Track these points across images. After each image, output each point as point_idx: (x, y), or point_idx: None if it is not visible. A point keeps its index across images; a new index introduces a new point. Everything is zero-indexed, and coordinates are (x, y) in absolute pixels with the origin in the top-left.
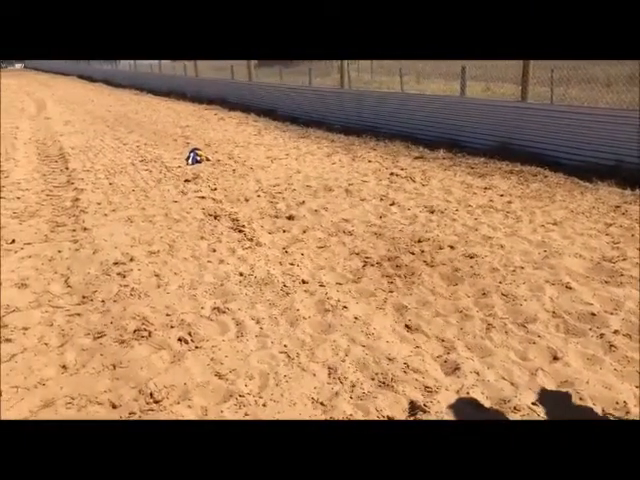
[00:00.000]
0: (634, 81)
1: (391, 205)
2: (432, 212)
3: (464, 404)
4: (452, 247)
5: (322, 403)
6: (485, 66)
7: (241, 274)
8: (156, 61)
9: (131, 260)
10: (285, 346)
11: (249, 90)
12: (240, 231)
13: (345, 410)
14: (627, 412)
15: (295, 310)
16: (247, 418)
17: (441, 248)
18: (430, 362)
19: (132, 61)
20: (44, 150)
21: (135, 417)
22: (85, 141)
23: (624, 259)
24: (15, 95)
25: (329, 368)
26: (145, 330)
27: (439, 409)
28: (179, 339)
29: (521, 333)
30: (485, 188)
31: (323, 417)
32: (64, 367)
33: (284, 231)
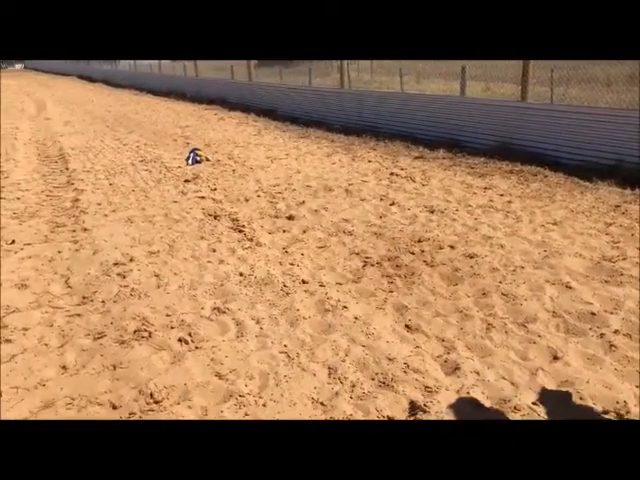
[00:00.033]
0: (634, 81)
1: (391, 205)
2: (432, 212)
3: (464, 404)
4: (452, 247)
5: (322, 403)
6: (485, 66)
7: (241, 274)
8: (156, 61)
9: (131, 260)
10: (285, 346)
11: (249, 90)
12: (240, 231)
13: (345, 410)
14: (627, 412)
15: (295, 310)
16: (247, 418)
17: (441, 248)
18: (430, 362)
19: (132, 61)
20: (44, 151)
21: (135, 417)
22: (85, 141)
23: (624, 258)
24: (15, 96)
25: (329, 368)
26: (145, 330)
27: (439, 409)
28: (179, 339)
29: (521, 333)
30: (485, 188)
31: (323, 417)
32: (64, 368)
33: (284, 231)
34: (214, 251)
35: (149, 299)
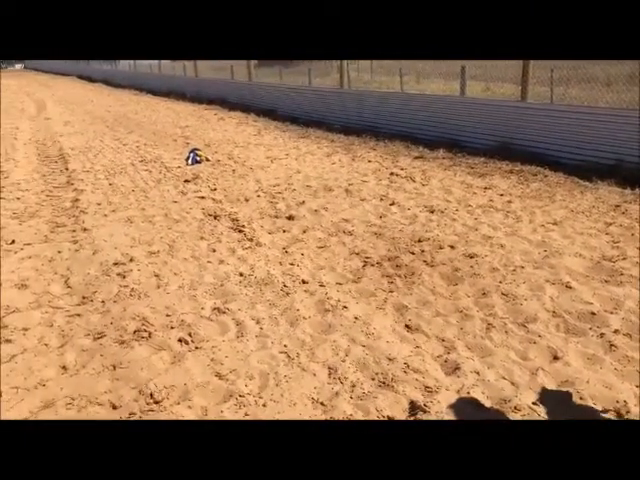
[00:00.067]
0: (634, 80)
1: (391, 205)
2: (432, 212)
3: (464, 404)
4: (452, 247)
5: (322, 403)
6: (485, 66)
7: (241, 274)
8: (155, 61)
9: (131, 260)
10: (285, 346)
11: (249, 90)
12: (240, 231)
13: (345, 410)
14: (627, 412)
15: (295, 310)
16: (247, 418)
17: (441, 248)
18: (430, 362)
19: (131, 61)
20: (44, 151)
21: (135, 417)
22: (85, 141)
23: (624, 258)
24: (15, 96)
25: (329, 368)
26: (145, 331)
27: (439, 409)
28: (179, 339)
29: (521, 333)
30: (485, 188)
31: (323, 417)
32: (64, 368)
33: (284, 231)
34: (214, 251)
35: (149, 299)
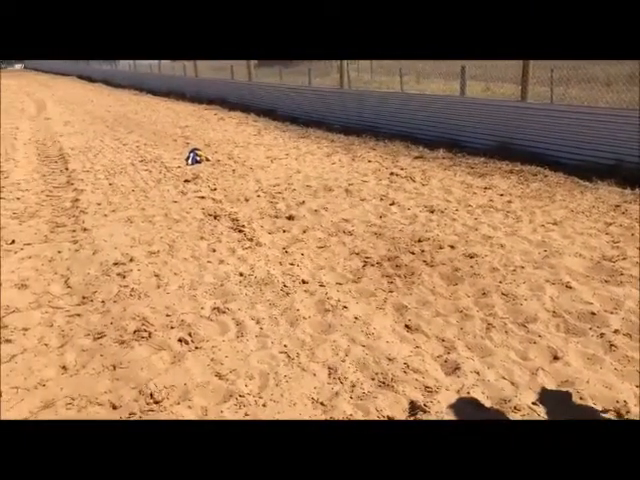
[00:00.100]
0: (634, 80)
1: (391, 205)
2: (432, 212)
3: (464, 404)
4: (452, 247)
5: (322, 403)
6: (485, 66)
7: (241, 274)
8: (155, 61)
9: (131, 260)
10: (285, 346)
11: (249, 90)
12: (240, 231)
13: (345, 410)
14: (627, 412)
15: (295, 310)
16: (247, 418)
17: (441, 248)
18: (430, 362)
19: (131, 61)
20: (44, 151)
21: (135, 418)
22: (85, 141)
23: (624, 258)
24: (15, 96)
25: (329, 368)
26: (145, 331)
27: (439, 409)
28: (179, 339)
29: (521, 333)
30: (485, 188)
31: (323, 417)
32: (64, 368)
33: (284, 231)
34: (214, 251)
35: (149, 299)
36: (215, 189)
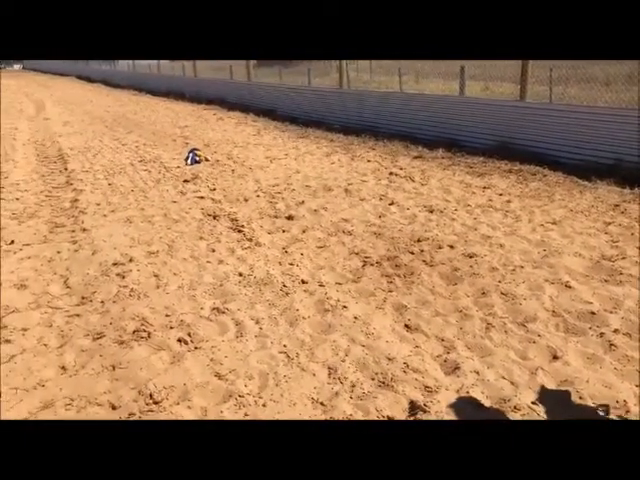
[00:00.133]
0: (633, 80)
1: (390, 205)
2: (431, 211)
3: (464, 404)
4: (451, 246)
5: (322, 403)
6: (484, 65)
7: (240, 274)
8: (154, 61)
9: (130, 261)
10: (285, 346)
11: (248, 90)
12: (239, 231)
13: (345, 410)
14: (627, 411)
15: (295, 310)
16: (247, 418)
17: (440, 247)
18: (430, 362)
19: (130, 61)
20: (43, 151)
21: (135, 418)
22: (84, 142)
23: (623, 258)
24: (14, 96)
25: (329, 368)
26: (144, 331)
27: (439, 409)
28: (178, 340)
29: (521, 332)
30: (484, 187)
31: (323, 417)
32: (63, 368)
33: (283, 231)
34: (213, 251)
35: (148, 299)
36: (214, 189)
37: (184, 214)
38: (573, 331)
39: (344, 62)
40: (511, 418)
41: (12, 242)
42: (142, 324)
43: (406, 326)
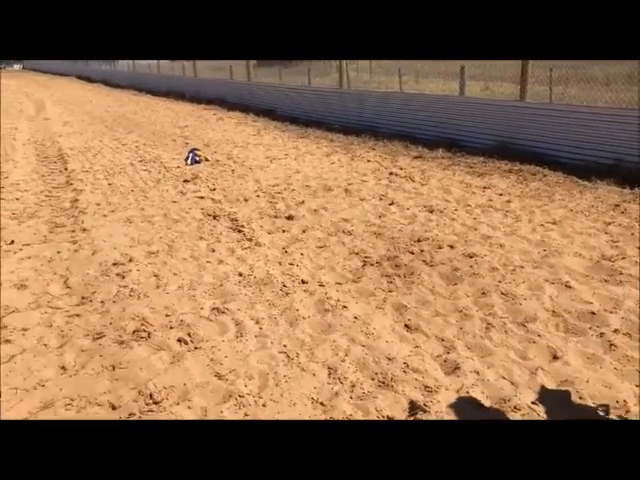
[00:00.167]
0: (633, 80)
1: (390, 205)
2: (431, 211)
3: (464, 403)
4: (451, 246)
5: (322, 403)
6: (484, 65)
7: (240, 274)
8: (154, 61)
9: (130, 261)
10: (285, 346)
11: (248, 90)
12: (239, 231)
13: (345, 410)
14: (627, 411)
15: (295, 310)
16: (247, 418)
17: (440, 247)
18: (430, 362)
19: (130, 61)
20: (43, 151)
21: (135, 418)
22: (84, 142)
23: (623, 258)
24: (14, 96)
25: (329, 368)
26: (144, 331)
27: (439, 409)
28: (178, 340)
29: (521, 332)
30: (484, 187)
31: (323, 417)
32: (63, 368)
33: (283, 231)
34: (213, 251)
35: (148, 299)
36: (214, 189)
37: (184, 214)
38: (573, 331)
39: (344, 62)
40: (511, 418)
41: (12, 242)
42: (142, 324)
43: (406, 326)
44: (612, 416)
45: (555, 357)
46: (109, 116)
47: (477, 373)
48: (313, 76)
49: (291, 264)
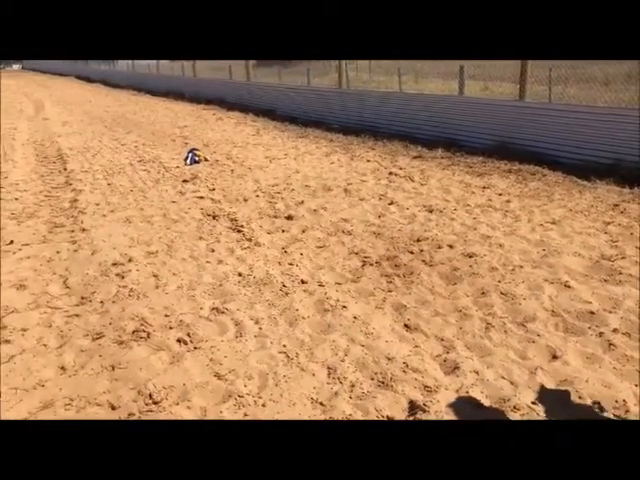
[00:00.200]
0: (632, 80)
1: (390, 204)
2: (431, 211)
3: (464, 403)
4: (451, 246)
5: (321, 403)
6: (483, 65)
7: (240, 274)
8: (154, 61)
9: (130, 261)
10: (284, 346)
11: (247, 90)
12: (239, 231)
13: (345, 410)
14: (626, 411)
15: (294, 310)
16: (246, 418)
17: (440, 247)
18: (429, 361)
19: (130, 61)
20: (42, 151)
21: (134, 418)
22: (83, 142)
23: (623, 257)
24: (13, 96)
25: (328, 368)
26: (144, 331)
27: (439, 408)
28: (178, 340)
29: (520, 332)
30: (484, 187)
31: (323, 417)
32: (63, 368)
33: (283, 231)
34: (213, 251)
35: (148, 299)
36: (214, 189)
37: (183, 214)
38: (572, 331)
39: (343, 62)
40: (511, 418)
41: (11, 242)
42: (141, 324)
43: (405, 326)
44: (612, 416)
45: (554, 357)
46: (108, 116)
47: (477, 373)
48: (312, 76)
49: (291, 264)
